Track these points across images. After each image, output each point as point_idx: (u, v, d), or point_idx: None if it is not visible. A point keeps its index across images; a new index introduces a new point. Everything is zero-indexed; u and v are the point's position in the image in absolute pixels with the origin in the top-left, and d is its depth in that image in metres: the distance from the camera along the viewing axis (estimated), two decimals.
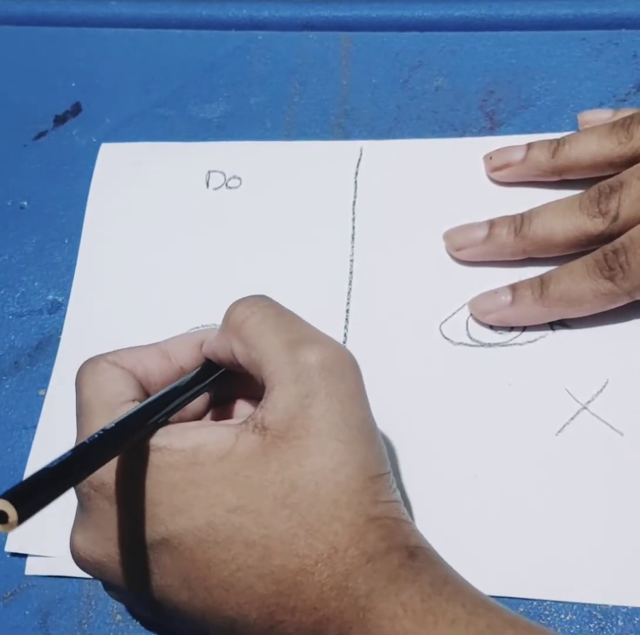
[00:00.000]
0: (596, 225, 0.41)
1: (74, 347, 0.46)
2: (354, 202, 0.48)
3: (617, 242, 0.40)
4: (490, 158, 0.46)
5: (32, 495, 0.26)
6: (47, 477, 0.26)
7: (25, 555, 0.42)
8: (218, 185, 0.50)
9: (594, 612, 0.37)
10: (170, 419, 0.34)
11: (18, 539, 0.42)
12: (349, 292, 0.45)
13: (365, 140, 0.50)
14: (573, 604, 0.37)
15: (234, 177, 0.50)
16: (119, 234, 0.49)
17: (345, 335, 0.44)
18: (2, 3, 0.59)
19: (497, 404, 0.41)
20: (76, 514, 0.35)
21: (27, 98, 0.56)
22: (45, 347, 0.47)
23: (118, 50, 0.56)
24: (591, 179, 0.43)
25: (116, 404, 0.33)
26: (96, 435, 0.29)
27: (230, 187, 0.50)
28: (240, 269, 0.47)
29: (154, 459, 0.32)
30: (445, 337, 0.43)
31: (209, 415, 0.39)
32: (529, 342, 0.42)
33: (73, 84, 0.56)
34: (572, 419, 0.40)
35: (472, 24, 0.53)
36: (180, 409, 0.34)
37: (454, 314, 0.44)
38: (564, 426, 0.40)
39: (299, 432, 0.31)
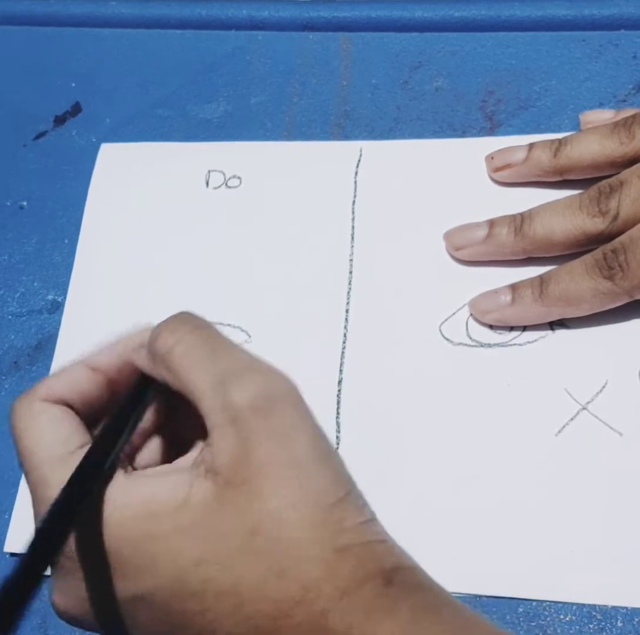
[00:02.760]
0: (596, 224, 0.41)
1: (71, 347, 0.46)
2: (354, 202, 0.48)
3: (617, 241, 0.40)
4: (492, 158, 0.46)
5: (12, 609, 0.25)
6: (19, 584, 0.26)
7: None
8: (218, 184, 0.50)
9: (594, 613, 0.37)
10: (123, 455, 0.33)
11: (17, 539, 0.42)
12: (348, 292, 0.45)
13: (364, 141, 0.50)
14: (572, 604, 0.37)
15: (234, 176, 0.50)
16: (117, 234, 0.49)
17: (344, 335, 0.44)
18: (2, 3, 0.59)
19: (496, 405, 0.41)
20: (51, 574, 0.33)
21: (26, 98, 0.56)
22: (44, 347, 0.47)
23: (118, 51, 0.56)
24: (592, 179, 0.43)
25: (64, 454, 0.32)
26: (51, 515, 0.28)
27: (230, 187, 0.50)
28: (239, 268, 0.47)
29: (113, 514, 0.31)
30: (445, 338, 0.43)
31: (158, 441, 0.37)
32: (529, 342, 0.42)
33: (73, 84, 0.56)
34: (571, 419, 0.40)
35: (472, 24, 0.53)
36: (128, 443, 0.33)
37: (453, 314, 0.43)
38: (564, 427, 0.40)
39: (246, 476, 0.30)
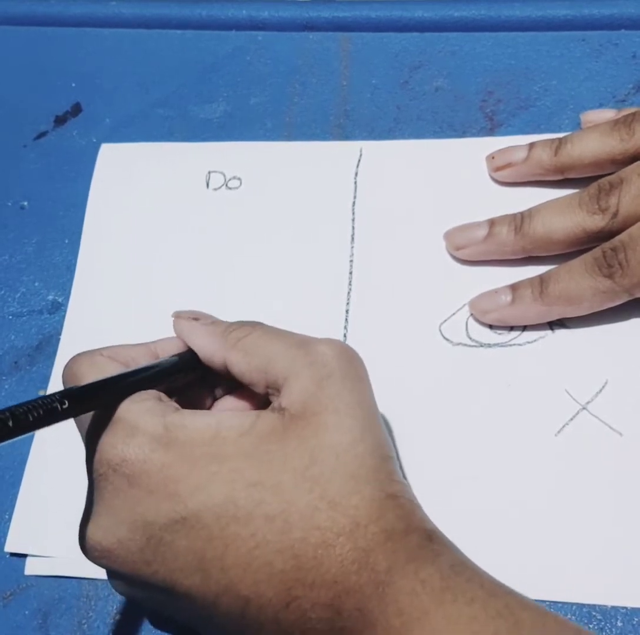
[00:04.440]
0: (595, 222, 0.41)
1: (74, 346, 0.46)
2: (354, 203, 0.48)
3: (616, 239, 0.40)
4: (493, 158, 0.46)
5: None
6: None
7: (24, 556, 0.42)
8: (218, 185, 0.50)
9: (594, 613, 0.37)
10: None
11: (17, 539, 0.42)
12: (348, 293, 0.45)
13: (364, 141, 0.50)
14: (572, 604, 0.37)
15: (234, 177, 0.50)
16: (119, 234, 0.49)
17: (344, 335, 0.44)
18: (2, 3, 0.59)
19: (496, 405, 0.41)
20: (85, 507, 0.34)
21: (27, 98, 0.56)
22: (45, 348, 0.47)
23: (118, 51, 0.56)
24: (593, 178, 0.43)
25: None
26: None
27: (230, 188, 0.50)
28: (240, 269, 0.47)
29: (176, 434, 0.32)
30: (445, 338, 0.43)
31: None
32: (529, 342, 0.42)
33: (73, 84, 0.56)
34: (571, 419, 0.40)
35: (472, 24, 0.53)
36: (171, 378, 0.36)
37: (453, 314, 0.44)
38: (564, 426, 0.40)
39: (316, 409, 0.32)
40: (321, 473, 0.31)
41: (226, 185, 0.50)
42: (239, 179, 0.50)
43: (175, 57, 0.56)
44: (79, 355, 0.36)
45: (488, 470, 0.40)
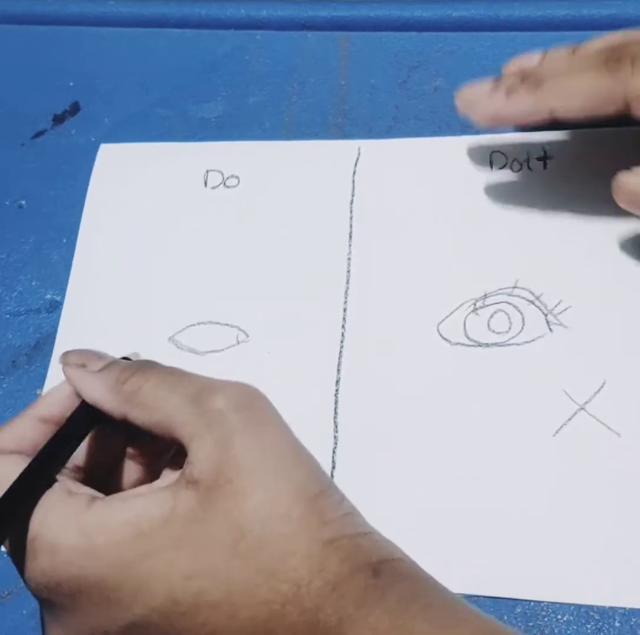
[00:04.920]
0: (614, 68, 0.37)
1: (70, 346, 0.46)
2: (352, 201, 0.48)
3: (633, 44, 0.37)
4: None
5: None
6: None
7: None
8: (216, 184, 0.50)
9: (591, 613, 0.37)
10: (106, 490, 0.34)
11: None
12: (346, 291, 0.45)
13: (363, 140, 0.50)
14: (570, 604, 0.37)
15: (232, 176, 0.50)
16: (116, 233, 0.49)
17: (342, 334, 0.44)
18: (0, 3, 0.59)
19: (494, 405, 0.41)
20: (40, 617, 0.34)
21: (25, 97, 0.56)
22: (43, 347, 0.47)
23: (116, 50, 0.56)
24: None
25: None
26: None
27: (228, 187, 0.50)
28: (237, 267, 0.47)
29: (97, 540, 0.31)
30: (443, 337, 0.43)
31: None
32: (527, 342, 0.42)
33: (71, 83, 0.56)
34: (569, 419, 0.40)
35: (470, 24, 0.53)
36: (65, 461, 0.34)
37: (451, 313, 0.43)
38: (562, 427, 0.40)
39: (228, 476, 0.31)
40: (251, 545, 0.30)
41: (224, 183, 0.50)
42: (237, 177, 0.50)
43: (173, 57, 0.56)
44: None
45: (486, 470, 0.40)
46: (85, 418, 0.35)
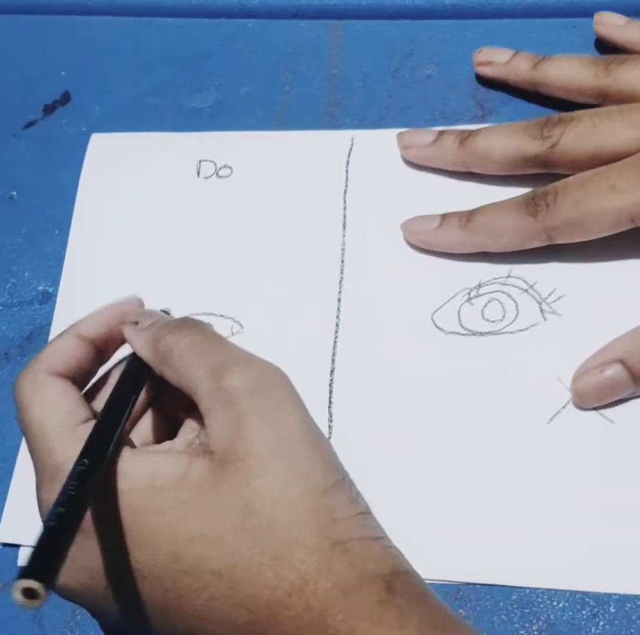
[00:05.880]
0: (534, 147, 0.43)
1: None
2: (345, 191, 0.48)
3: (551, 185, 0.41)
4: (479, 53, 0.50)
5: (49, 560, 0.26)
6: (52, 538, 0.27)
7: (17, 546, 0.41)
8: (209, 174, 0.50)
9: (587, 599, 0.37)
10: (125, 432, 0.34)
11: (10, 529, 0.42)
12: (340, 281, 0.45)
13: (356, 130, 0.50)
14: (565, 591, 0.37)
15: (225, 166, 0.50)
16: (108, 223, 0.49)
17: (336, 325, 0.44)
18: None
19: (488, 393, 0.41)
20: None
21: (15, 87, 0.55)
22: (35, 338, 0.47)
23: (108, 39, 0.56)
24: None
25: (71, 426, 0.33)
26: (73, 481, 0.29)
27: (221, 177, 0.49)
28: (231, 258, 0.47)
29: (119, 484, 0.31)
30: (437, 326, 0.43)
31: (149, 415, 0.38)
32: (521, 330, 0.42)
33: (62, 73, 0.56)
34: (563, 407, 0.40)
35: (463, 12, 0.53)
36: (128, 419, 0.34)
37: (445, 303, 0.44)
38: (555, 415, 0.40)
39: (239, 454, 0.31)
40: (260, 525, 0.30)
41: (217, 173, 0.50)
42: (230, 167, 0.50)
43: (165, 46, 0.55)
44: (20, 377, 0.35)
45: (480, 458, 0.40)
46: (139, 370, 0.36)
